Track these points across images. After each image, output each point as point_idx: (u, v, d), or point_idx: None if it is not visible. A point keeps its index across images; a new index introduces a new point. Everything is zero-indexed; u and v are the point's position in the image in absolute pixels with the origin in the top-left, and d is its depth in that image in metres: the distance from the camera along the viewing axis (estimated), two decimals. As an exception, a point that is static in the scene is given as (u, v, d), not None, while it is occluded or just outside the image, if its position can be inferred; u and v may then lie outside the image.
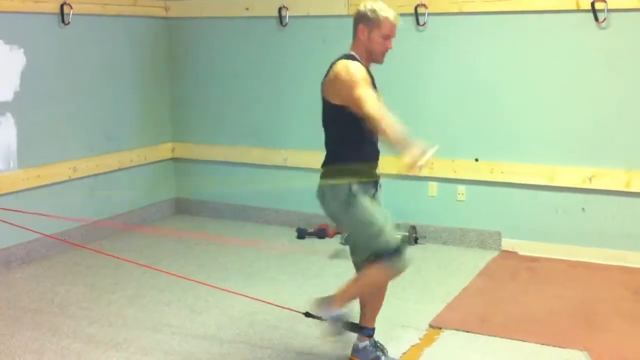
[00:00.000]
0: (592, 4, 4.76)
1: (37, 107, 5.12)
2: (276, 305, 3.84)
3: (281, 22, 5.80)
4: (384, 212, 3.27)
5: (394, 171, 2.89)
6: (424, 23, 5.30)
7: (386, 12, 3.18)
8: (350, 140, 3.23)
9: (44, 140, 5.20)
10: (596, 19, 4.79)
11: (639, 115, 4.82)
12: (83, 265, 5.01)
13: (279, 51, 5.87)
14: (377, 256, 3.16)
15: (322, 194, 3.28)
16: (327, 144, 3.33)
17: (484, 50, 5.21)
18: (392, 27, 3.19)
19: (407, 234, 5.31)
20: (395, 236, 3.21)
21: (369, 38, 3.19)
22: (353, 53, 3.24)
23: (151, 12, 6.11)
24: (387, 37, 3.20)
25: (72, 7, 5.22)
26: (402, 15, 5.25)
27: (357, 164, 3.21)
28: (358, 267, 3.36)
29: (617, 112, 4.89)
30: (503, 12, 5.07)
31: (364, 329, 3.44)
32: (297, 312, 3.64)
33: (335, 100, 3.16)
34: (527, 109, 5.14)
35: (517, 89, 5.15)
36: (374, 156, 3.31)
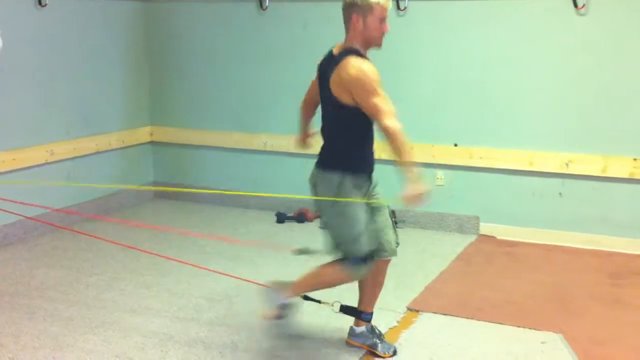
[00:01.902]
0: (571, -10, 4.80)
1: (13, 89, 5.05)
2: (255, 283, 3.80)
3: (261, 6, 5.77)
4: (369, 216, 3.23)
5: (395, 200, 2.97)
6: (405, 8, 5.30)
7: None
8: (354, 139, 3.20)
9: (20, 124, 5.14)
10: (575, 5, 4.82)
11: (617, 102, 4.88)
12: (61, 248, 4.98)
13: (259, 35, 5.83)
14: (343, 258, 3.22)
15: (314, 181, 3.28)
16: (328, 136, 3.26)
17: (463, 35, 5.22)
18: (384, 9, 3.09)
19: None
20: (368, 245, 3.20)
21: (365, 25, 3.08)
22: (356, 47, 3.13)
23: (130, -6, 6.05)
24: (382, 20, 3.10)
25: (49, -12, 5.16)
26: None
27: (356, 160, 3.22)
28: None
29: (595, 98, 4.93)
30: (483, -2, 5.09)
31: (362, 314, 3.46)
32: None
33: (346, 100, 3.09)
34: (506, 94, 5.16)
35: (496, 74, 5.16)
36: (372, 154, 3.30)
